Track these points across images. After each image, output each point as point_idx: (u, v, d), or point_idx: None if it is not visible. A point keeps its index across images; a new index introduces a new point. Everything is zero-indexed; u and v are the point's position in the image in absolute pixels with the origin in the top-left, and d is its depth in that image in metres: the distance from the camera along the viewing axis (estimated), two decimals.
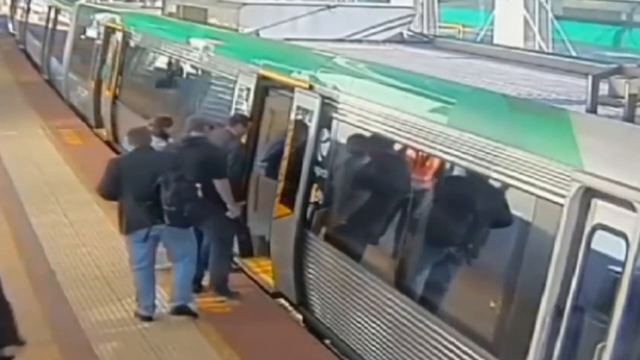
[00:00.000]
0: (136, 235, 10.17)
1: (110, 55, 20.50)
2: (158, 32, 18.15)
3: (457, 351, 7.62)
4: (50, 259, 12.06)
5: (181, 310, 10.21)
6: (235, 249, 11.77)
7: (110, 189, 10.35)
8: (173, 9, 18.54)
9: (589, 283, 6.42)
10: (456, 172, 8.32)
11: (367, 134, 9.76)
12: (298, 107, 11.00)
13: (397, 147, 9.20)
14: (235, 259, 12.07)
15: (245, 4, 14.83)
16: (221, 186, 10.74)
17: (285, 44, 13.19)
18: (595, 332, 6.21)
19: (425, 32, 22.93)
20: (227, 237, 11.08)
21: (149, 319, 10.17)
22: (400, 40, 14.08)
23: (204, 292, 10.85)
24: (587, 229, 6.38)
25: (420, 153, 8.74)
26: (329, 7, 14.23)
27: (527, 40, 23.94)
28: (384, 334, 8.78)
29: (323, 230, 10.35)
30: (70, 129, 21.35)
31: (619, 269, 6.07)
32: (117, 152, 19.15)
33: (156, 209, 9.95)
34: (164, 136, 11.19)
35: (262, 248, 11.83)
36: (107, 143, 20.07)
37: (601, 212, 6.31)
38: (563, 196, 6.56)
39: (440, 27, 30.10)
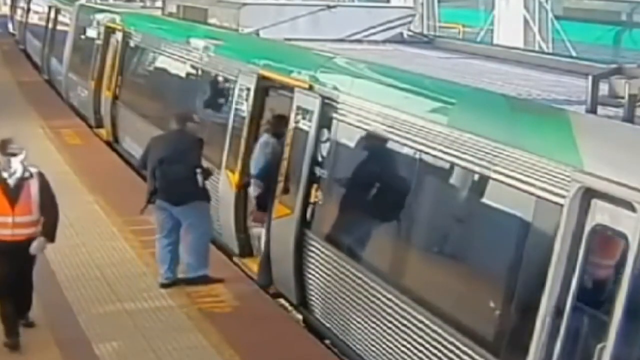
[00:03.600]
0: (155, 206, 11.25)
1: (110, 55, 20.51)
2: (158, 32, 18.15)
3: (457, 351, 7.62)
4: (50, 259, 12.04)
5: (194, 281, 11.14)
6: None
7: (140, 161, 11.91)
8: (173, 9, 18.55)
9: (588, 283, 6.42)
10: (456, 172, 8.32)
11: (367, 134, 9.76)
12: (298, 107, 11.00)
13: (397, 147, 9.19)
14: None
15: (245, 4, 14.83)
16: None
17: (285, 44, 13.19)
18: (595, 332, 6.21)
19: (425, 32, 22.94)
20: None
21: (165, 285, 11.07)
22: (400, 40, 14.08)
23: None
24: (587, 229, 6.38)
25: (420, 153, 8.74)
26: (329, 7, 14.22)
27: (527, 40, 23.97)
28: (384, 334, 8.78)
29: (323, 230, 10.35)
30: (70, 129, 21.36)
31: (618, 269, 6.07)
32: (117, 152, 19.22)
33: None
34: (278, 136, 11.61)
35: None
36: (107, 143, 20.07)
37: (601, 212, 6.31)
38: (563, 196, 6.57)
39: (440, 27, 30.14)
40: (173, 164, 11.08)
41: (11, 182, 9.31)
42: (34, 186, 9.39)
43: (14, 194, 9.30)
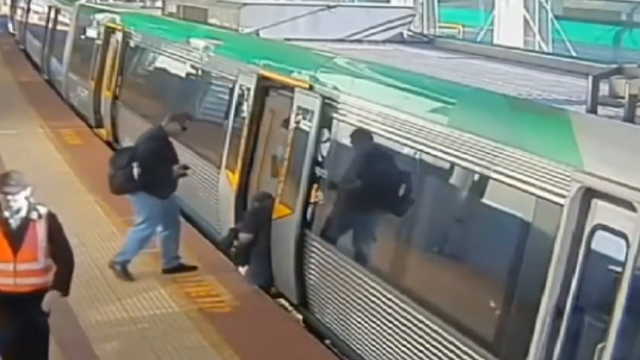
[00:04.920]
0: None
1: (110, 55, 20.51)
2: (158, 32, 18.16)
3: (458, 351, 7.62)
4: None
5: (170, 270, 11.57)
6: None
7: None
8: (173, 9, 18.55)
9: (589, 283, 6.42)
10: (456, 172, 8.32)
11: (368, 135, 9.75)
12: (298, 107, 11.00)
13: (397, 147, 9.20)
14: None
15: (245, 4, 14.82)
16: None
17: (285, 44, 13.19)
18: (595, 332, 6.21)
19: (425, 32, 22.94)
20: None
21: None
22: (400, 40, 14.08)
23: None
24: (587, 229, 6.38)
25: (420, 153, 8.74)
26: (329, 7, 14.22)
27: (527, 41, 23.98)
28: (384, 334, 8.78)
29: (323, 230, 10.35)
30: (70, 129, 21.35)
31: (619, 269, 6.07)
32: None
33: None
34: None
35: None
36: (107, 143, 20.07)
37: (601, 212, 6.31)
38: (563, 196, 6.57)
39: (440, 27, 30.15)
40: (120, 155, 11.89)
41: (13, 222, 7.83)
42: (41, 229, 7.87)
43: (16, 236, 7.81)
